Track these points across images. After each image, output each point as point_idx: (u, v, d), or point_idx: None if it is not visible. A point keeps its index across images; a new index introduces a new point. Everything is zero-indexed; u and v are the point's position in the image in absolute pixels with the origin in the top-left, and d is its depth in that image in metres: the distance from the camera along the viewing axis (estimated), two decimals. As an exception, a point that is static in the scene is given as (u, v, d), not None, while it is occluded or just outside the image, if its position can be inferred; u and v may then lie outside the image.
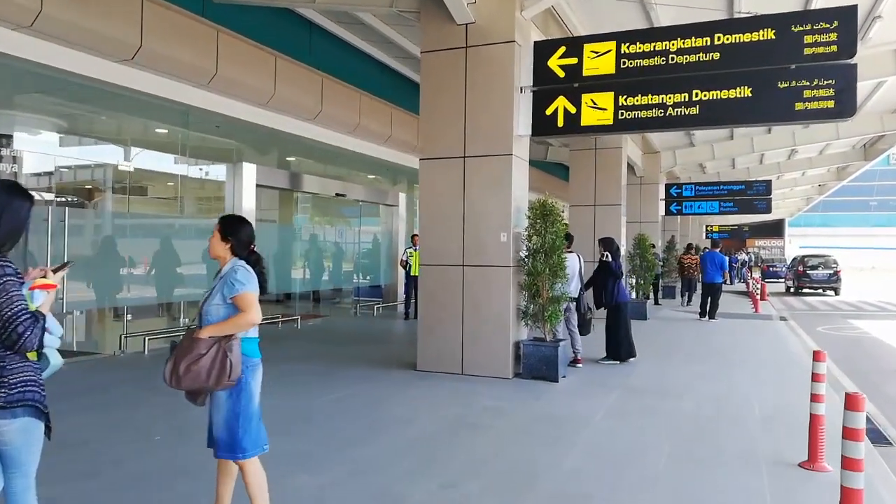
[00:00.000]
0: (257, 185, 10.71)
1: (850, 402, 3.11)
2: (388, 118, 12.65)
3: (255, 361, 3.06)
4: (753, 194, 19.80)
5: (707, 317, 13.96)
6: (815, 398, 4.36)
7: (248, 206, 10.44)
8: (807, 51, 6.22)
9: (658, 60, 6.78)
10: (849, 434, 3.05)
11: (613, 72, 6.97)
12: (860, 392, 3.23)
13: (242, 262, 3.05)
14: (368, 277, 15.49)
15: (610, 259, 8.43)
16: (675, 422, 5.68)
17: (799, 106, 6.37)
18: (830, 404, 4.88)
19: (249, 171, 10.53)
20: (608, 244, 8.58)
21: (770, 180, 20.56)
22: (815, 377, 4.41)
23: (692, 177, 24.15)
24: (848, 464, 3.02)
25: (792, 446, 4.83)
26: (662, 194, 19.92)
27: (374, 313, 14.06)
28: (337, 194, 13.67)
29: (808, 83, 6.32)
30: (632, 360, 8.48)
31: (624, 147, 14.15)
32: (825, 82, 6.27)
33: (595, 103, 7.12)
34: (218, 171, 10.99)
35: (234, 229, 3.07)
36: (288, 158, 13.44)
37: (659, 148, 19.14)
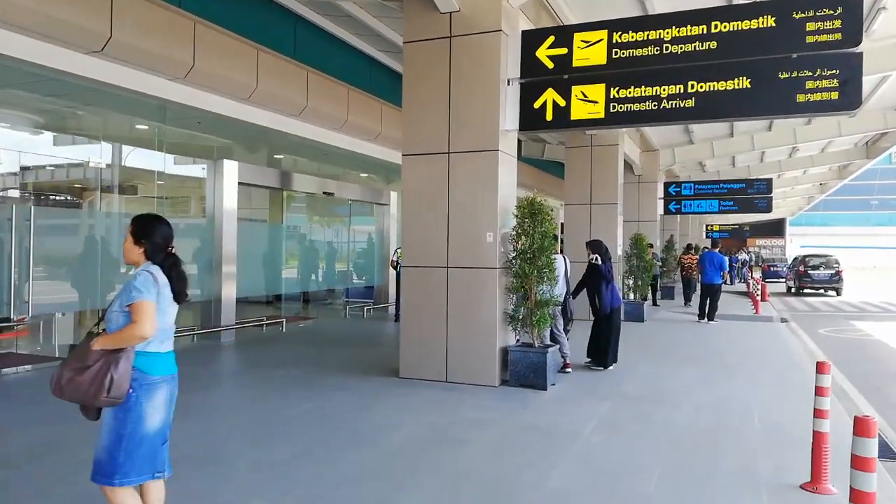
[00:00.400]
0: (239, 183, 10.34)
1: (860, 427, 2.71)
2: (377, 114, 12.25)
3: (153, 379, 2.69)
4: (754, 193, 19.42)
5: (706, 318, 13.60)
6: (818, 414, 3.98)
7: (229, 204, 10.08)
8: (809, 39, 5.83)
9: (652, 50, 6.39)
10: (859, 463, 2.66)
11: (605, 62, 6.58)
12: (871, 415, 2.86)
13: (152, 268, 2.69)
14: (360, 278, 15.11)
15: (599, 262, 8.03)
16: (671, 434, 5.32)
17: (801, 98, 5.98)
18: (835, 413, 4.53)
19: (231, 168, 10.16)
20: (596, 246, 8.14)
21: (770, 179, 20.18)
22: (819, 391, 4.04)
23: (691, 175, 23.80)
24: (857, 497, 2.64)
25: (794, 463, 4.47)
26: (661, 193, 19.54)
27: (365, 315, 13.70)
28: (325, 193, 13.29)
29: (810, 73, 5.93)
30: (613, 366, 8.09)
31: (620, 144, 13.77)
32: (829, 72, 5.87)
33: (585, 96, 6.74)
34: (197, 169, 10.61)
35: (147, 231, 2.73)
36: (273, 156, 13.05)
37: (657, 146, 18.77)
